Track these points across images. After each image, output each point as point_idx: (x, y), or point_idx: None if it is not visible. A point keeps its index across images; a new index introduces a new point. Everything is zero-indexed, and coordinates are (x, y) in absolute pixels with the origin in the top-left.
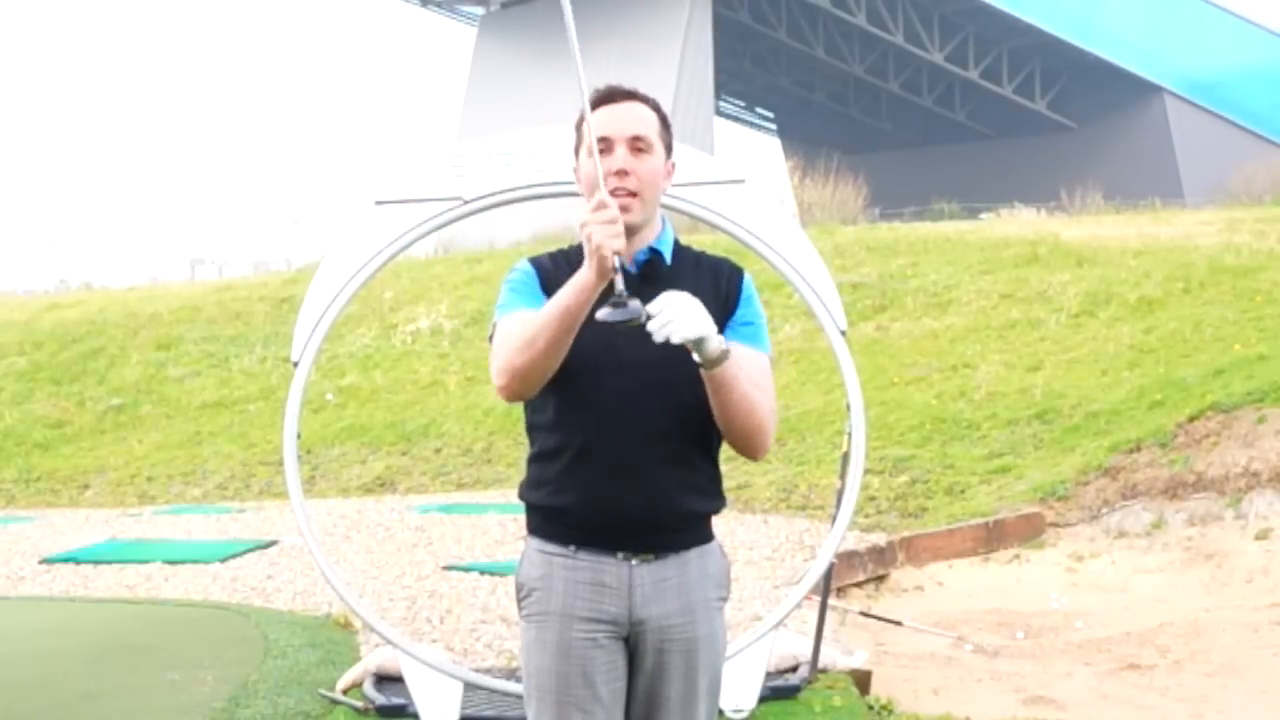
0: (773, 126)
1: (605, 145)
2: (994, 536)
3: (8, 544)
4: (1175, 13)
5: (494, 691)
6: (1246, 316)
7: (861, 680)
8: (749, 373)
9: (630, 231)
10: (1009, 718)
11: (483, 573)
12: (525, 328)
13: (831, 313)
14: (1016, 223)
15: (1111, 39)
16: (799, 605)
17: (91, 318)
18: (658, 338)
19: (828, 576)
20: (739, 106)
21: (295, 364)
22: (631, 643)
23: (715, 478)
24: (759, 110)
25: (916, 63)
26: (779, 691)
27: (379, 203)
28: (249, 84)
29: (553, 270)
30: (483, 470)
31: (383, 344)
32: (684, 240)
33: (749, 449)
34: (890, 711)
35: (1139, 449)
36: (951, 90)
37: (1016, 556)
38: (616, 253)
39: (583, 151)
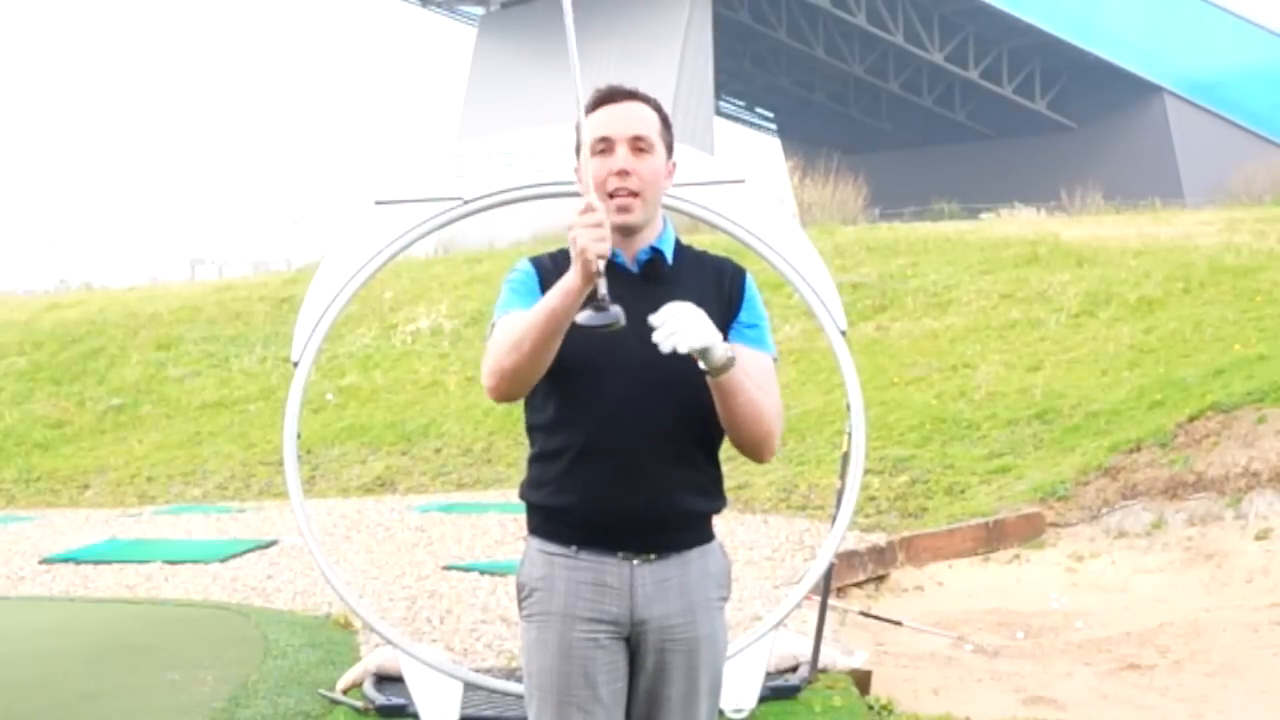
0: (773, 126)
1: (606, 145)
2: (994, 536)
3: (8, 544)
4: (1175, 13)
5: (494, 691)
6: (1246, 316)
7: (861, 680)
8: (755, 378)
9: (632, 231)
10: (1009, 718)
11: (483, 573)
12: (514, 330)
13: (831, 313)
14: (1016, 223)
15: (1111, 39)
16: (799, 605)
17: (91, 318)
18: (664, 348)
19: (828, 576)
20: (739, 106)
21: (295, 364)
22: (633, 643)
23: (716, 477)
24: (759, 110)
25: (916, 63)
26: (779, 691)
27: (379, 203)
28: (249, 84)
29: (553, 270)
30: (483, 470)
31: (383, 344)
32: (684, 240)
33: (756, 453)
34: (890, 711)
35: (1139, 449)
36: (951, 90)
37: (1016, 556)
38: (601, 257)
39: (584, 152)
